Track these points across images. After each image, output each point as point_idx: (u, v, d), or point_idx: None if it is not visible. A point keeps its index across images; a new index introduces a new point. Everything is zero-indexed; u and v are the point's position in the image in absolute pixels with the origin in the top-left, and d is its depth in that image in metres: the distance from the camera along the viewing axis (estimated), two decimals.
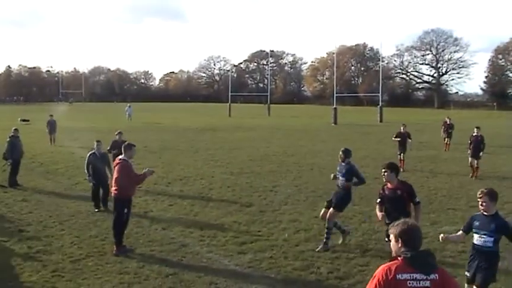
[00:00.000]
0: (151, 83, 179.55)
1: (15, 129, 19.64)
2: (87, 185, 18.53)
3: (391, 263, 4.62)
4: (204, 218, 14.07)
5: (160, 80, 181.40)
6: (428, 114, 78.68)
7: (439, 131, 33.96)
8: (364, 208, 15.16)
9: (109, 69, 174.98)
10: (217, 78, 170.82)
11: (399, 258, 4.56)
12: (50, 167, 22.63)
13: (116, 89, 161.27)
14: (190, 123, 53.88)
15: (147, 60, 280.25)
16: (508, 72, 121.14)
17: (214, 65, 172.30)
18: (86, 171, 15.53)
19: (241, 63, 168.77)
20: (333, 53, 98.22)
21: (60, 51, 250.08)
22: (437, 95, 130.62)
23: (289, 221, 13.63)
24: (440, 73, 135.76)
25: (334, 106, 60.76)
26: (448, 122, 31.58)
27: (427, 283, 4.40)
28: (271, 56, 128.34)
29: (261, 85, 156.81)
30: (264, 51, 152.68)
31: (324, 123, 56.90)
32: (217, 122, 57.92)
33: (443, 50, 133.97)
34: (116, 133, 18.63)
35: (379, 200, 9.85)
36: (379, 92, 70.38)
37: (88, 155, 15.63)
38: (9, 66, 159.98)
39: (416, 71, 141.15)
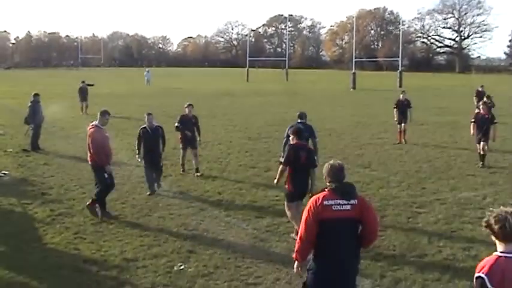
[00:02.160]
0: (169, 48, 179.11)
1: (36, 94, 19.83)
2: None
3: (320, 193, 5.71)
4: (222, 182, 14.20)
5: (178, 45, 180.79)
6: (449, 79, 77.73)
7: (459, 96, 33.57)
8: (383, 174, 15.16)
9: (127, 35, 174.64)
10: (235, 43, 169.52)
11: (326, 189, 5.68)
12: (70, 132, 22.87)
13: (134, 54, 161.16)
14: (208, 89, 53.84)
15: (165, 25, 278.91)
16: None
17: (232, 29, 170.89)
18: (136, 148, 13.24)
19: (259, 27, 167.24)
20: (353, 17, 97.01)
21: (79, 17, 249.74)
22: (459, 60, 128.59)
23: None
24: (462, 37, 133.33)
25: (353, 71, 60.25)
26: (480, 90, 29.92)
27: (348, 207, 5.55)
28: (289, 20, 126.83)
29: (279, 50, 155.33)
30: (282, 15, 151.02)
31: (343, 88, 56.51)
32: (235, 87, 57.78)
33: (465, 13, 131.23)
34: (186, 105, 15.39)
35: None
36: (399, 57, 69.46)
37: (139, 130, 13.29)
38: (29, 31, 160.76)
39: (437, 35, 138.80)
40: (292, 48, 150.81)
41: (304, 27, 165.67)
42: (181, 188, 13.53)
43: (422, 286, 7.76)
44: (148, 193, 12.77)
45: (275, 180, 10.16)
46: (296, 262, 5.91)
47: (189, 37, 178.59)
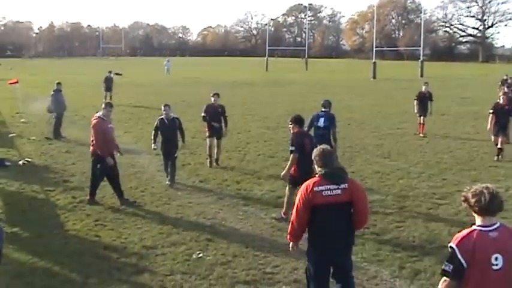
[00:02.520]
0: (188, 38, 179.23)
1: (58, 83, 20.06)
2: (127, 139, 18.91)
3: (311, 179, 5.86)
4: (240, 171, 14.23)
5: (198, 34, 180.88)
6: (472, 69, 76.76)
7: (482, 85, 33.11)
8: (403, 164, 15.08)
9: (148, 24, 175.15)
10: (254, 32, 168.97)
11: (316, 175, 5.84)
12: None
13: (154, 43, 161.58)
14: (227, 78, 53.84)
15: (185, 15, 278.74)
16: None
17: (252, 19, 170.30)
18: (152, 138, 13.07)
19: (278, 17, 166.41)
20: (373, 6, 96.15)
21: (100, 7, 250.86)
22: (482, 49, 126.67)
23: None
24: (486, 26, 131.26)
25: (374, 60, 59.77)
26: (505, 79, 29.16)
27: (339, 191, 5.70)
28: (309, 10, 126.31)
29: (299, 39, 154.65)
30: (302, 4, 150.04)
31: (363, 77, 56.12)
32: (254, 76, 57.71)
33: (489, 2, 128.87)
34: (212, 94, 15.06)
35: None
36: (420, 46, 68.73)
37: (156, 121, 13.17)
38: (52, 21, 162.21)
39: (460, 24, 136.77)
40: (311, 37, 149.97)
41: (324, 17, 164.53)
42: (200, 176, 13.59)
43: None
44: (167, 182, 12.75)
45: (284, 171, 10.18)
46: (291, 243, 6.21)
47: (208, 27, 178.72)
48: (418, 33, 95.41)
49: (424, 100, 20.14)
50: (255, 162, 15.34)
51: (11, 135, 19.43)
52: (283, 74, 63.10)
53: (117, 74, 54.05)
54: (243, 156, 16.04)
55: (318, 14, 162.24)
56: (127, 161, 15.15)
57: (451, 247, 4.42)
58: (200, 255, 8.40)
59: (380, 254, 8.60)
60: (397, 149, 17.31)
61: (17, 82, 24.23)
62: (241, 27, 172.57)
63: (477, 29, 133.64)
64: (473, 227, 4.46)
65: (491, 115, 15.85)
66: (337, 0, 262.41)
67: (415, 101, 20.40)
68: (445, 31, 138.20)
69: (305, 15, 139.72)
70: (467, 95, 35.34)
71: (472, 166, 14.80)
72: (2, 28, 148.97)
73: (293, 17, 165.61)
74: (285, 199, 10.24)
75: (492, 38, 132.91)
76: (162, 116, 12.96)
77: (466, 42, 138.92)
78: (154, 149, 13.11)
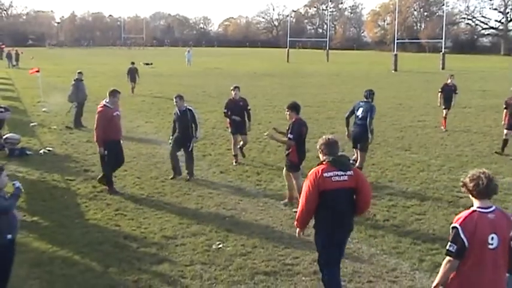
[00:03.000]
0: (210, 29, 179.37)
1: (79, 73, 20.20)
2: (148, 128, 19.01)
3: (318, 166, 6.24)
4: (261, 162, 14.22)
5: (219, 25, 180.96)
6: (494, 62, 75.74)
7: (504, 79, 32.67)
8: (423, 157, 14.95)
9: (169, 14, 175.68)
10: (276, 23, 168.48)
11: (324, 163, 6.23)
12: None
13: (175, 34, 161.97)
14: (248, 69, 53.78)
15: (207, 6, 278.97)
16: None
17: (273, 10, 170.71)
18: (171, 132, 12.99)
19: (300, 8, 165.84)
20: None
21: None
22: (504, 42, 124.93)
23: None
24: (509, 19, 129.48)
25: (395, 52, 59.25)
26: None
27: (345, 177, 6.16)
28: (330, 1, 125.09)
29: (320, 30, 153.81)
30: None
31: (384, 70, 55.68)
32: (275, 67, 57.57)
33: None
34: (232, 88, 14.26)
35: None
36: (442, 38, 67.96)
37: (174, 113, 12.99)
38: (73, 11, 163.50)
39: (482, 16, 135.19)
40: (333, 29, 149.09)
41: (345, 8, 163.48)
42: (221, 167, 13.61)
43: None
44: (170, 177, 12.46)
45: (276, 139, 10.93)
46: (298, 229, 6.57)
47: (230, 17, 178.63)
48: (440, 25, 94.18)
49: (449, 93, 19.66)
50: (275, 153, 15.31)
51: (32, 124, 19.63)
52: (304, 65, 62.86)
53: (147, 64, 54.25)
54: (264, 148, 16.02)
55: (340, 6, 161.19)
56: (148, 151, 15.25)
57: (454, 227, 4.77)
58: (220, 245, 8.42)
59: (400, 246, 8.55)
60: (418, 142, 17.17)
61: (38, 71, 24.43)
62: (263, 18, 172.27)
63: (499, 21, 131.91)
64: (472, 208, 4.80)
65: (505, 110, 15.59)
66: None
67: (440, 94, 19.86)
68: (467, 23, 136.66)
69: (327, 7, 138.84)
70: (488, 88, 34.88)
71: (493, 159, 14.63)
72: (24, 17, 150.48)
73: (315, 9, 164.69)
74: (289, 186, 10.47)
75: None
76: (175, 109, 12.74)
77: (488, 35, 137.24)
78: (170, 143, 12.83)
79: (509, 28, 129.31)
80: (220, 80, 39.25)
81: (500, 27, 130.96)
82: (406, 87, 36.36)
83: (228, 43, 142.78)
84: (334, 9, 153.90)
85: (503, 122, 15.78)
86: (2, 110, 11.59)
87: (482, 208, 4.78)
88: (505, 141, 15.40)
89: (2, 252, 6.22)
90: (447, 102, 19.57)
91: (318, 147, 6.46)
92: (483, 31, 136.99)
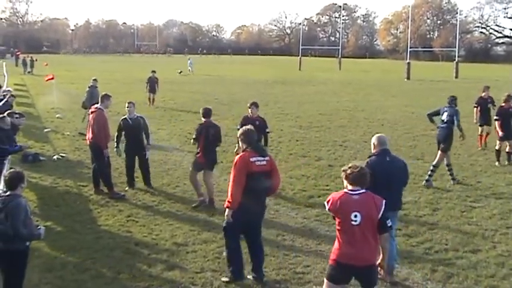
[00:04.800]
0: (222, 36, 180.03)
1: (94, 80, 20.32)
2: (161, 135, 19.06)
3: (244, 153, 7.38)
4: None
5: (231, 33, 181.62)
6: (508, 71, 75.13)
7: None
8: None
9: (182, 22, 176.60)
10: (288, 31, 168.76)
11: (247, 150, 7.38)
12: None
13: (188, 41, 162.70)
14: (260, 76, 53.85)
15: (219, 14, 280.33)
16: None
17: (286, 18, 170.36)
18: (115, 141, 12.34)
19: (312, 16, 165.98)
20: (408, 6, 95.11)
21: (136, 5, 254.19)
22: None
23: None
24: None
25: (408, 61, 59.07)
26: None
27: (264, 162, 7.38)
28: (343, 9, 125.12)
29: (333, 39, 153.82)
30: (336, 4, 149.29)
31: (397, 78, 55.51)
32: (287, 75, 57.59)
33: None
34: (248, 105, 12.41)
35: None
36: (455, 47, 67.81)
37: (119, 121, 12.47)
38: (88, 19, 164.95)
39: (496, 25, 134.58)
40: (345, 37, 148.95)
41: (358, 16, 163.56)
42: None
43: (475, 282, 7.59)
44: (126, 188, 12.17)
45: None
46: (228, 210, 7.36)
47: (242, 25, 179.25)
48: (453, 34, 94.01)
49: (485, 106, 17.93)
50: (287, 161, 15.29)
51: (46, 130, 19.74)
52: (316, 73, 62.86)
53: (180, 72, 54.33)
54: (275, 155, 15.99)
55: (353, 14, 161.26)
56: (159, 158, 15.27)
57: (325, 204, 6.00)
58: None
59: (412, 256, 8.49)
60: (431, 151, 17.02)
61: (52, 78, 24.61)
62: (275, 26, 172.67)
63: None
64: (344, 190, 5.91)
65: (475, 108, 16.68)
66: (372, 0, 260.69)
67: (476, 109, 18.12)
68: (481, 32, 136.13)
69: (339, 15, 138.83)
70: (502, 97, 34.60)
71: (506, 169, 14.50)
72: (39, 24, 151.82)
73: (327, 17, 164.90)
74: (193, 184, 11.18)
75: None
76: (125, 116, 12.30)
77: (502, 43, 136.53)
78: (117, 153, 12.44)
79: None
80: (232, 88, 39.33)
81: None
82: (419, 96, 36.21)
83: (241, 51, 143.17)
84: (346, 18, 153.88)
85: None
86: (17, 116, 11.66)
87: (350, 191, 5.84)
88: (498, 152, 15.21)
89: (20, 258, 6.24)
90: (484, 118, 17.79)
91: (238, 136, 7.67)
92: (497, 40, 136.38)
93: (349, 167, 5.90)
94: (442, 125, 13.29)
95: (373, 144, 7.77)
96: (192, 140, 11.60)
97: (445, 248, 8.82)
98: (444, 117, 13.30)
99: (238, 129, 12.62)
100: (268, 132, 12.30)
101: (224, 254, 8.36)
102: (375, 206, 5.76)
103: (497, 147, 15.30)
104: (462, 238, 9.28)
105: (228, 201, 7.31)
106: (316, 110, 27.15)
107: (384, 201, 5.84)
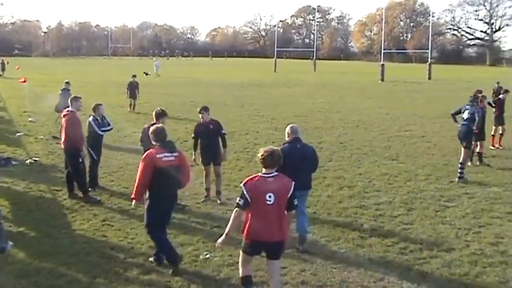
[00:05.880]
0: (197, 38, 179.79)
1: (67, 82, 20.11)
2: (135, 138, 18.87)
3: (152, 149, 7.94)
4: (249, 172, 14.16)
5: (206, 35, 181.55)
6: (480, 72, 76.44)
7: (490, 89, 32.75)
8: (410, 167, 15.01)
9: (156, 24, 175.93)
10: (263, 33, 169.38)
11: (156, 147, 7.92)
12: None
13: (163, 43, 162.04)
14: (235, 78, 53.85)
15: (194, 16, 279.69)
16: None
17: (261, 20, 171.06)
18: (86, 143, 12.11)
19: (287, 18, 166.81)
20: (382, 8, 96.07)
21: (109, 6, 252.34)
22: (490, 52, 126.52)
23: (333, 177, 13.65)
24: (494, 29, 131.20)
25: (382, 62, 59.70)
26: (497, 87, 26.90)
27: (172, 157, 7.88)
28: (318, 11, 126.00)
29: (307, 41, 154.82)
30: (311, 6, 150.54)
31: (371, 80, 56.02)
32: (262, 77, 57.70)
33: (497, 5, 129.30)
34: (198, 111, 11.76)
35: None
36: (428, 49, 68.67)
37: (88, 121, 12.33)
38: (60, 21, 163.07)
39: (468, 27, 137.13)
40: (320, 39, 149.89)
41: (332, 18, 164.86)
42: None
43: (449, 281, 7.69)
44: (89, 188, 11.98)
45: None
46: (134, 201, 8.10)
47: (217, 27, 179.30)
48: (426, 36, 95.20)
49: (502, 107, 18.07)
50: None
51: (18, 134, 19.50)
52: (291, 75, 63.10)
53: (145, 73, 53.56)
54: (251, 157, 16.00)
55: (327, 16, 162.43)
56: (135, 161, 15.05)
57: (241, 186, 6.55)
58: (208, 256, 8.38)
59: (387, 256, 8.57)
60: (405, 151, 17.25)
61: (25, 81, 24.31)
62: (250, 28, 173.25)
63: (485, 32, 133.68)
64: (259, 174, 6.59)
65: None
66: (346, 2, 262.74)
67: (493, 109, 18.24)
68: (453, 34, 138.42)
69: (314, 17, 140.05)
70: None
71: (479, 169, 14.73)
72: (10, 27, 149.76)
73: (302, 19, 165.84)
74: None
75: (499, 41, 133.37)
76: (94, 115, 12.36)
77: (473, 45, 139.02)
78: (91, 156, 12.48)
79: (495, 39, 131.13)
80: (208, 90, 39.29)
81: (486, 38, 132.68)
82: (393, 97, 36.59)
83: (216, 53, 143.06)
84: (321, 20, 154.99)
85: None
86: None
87: (264, 174, 6.55)
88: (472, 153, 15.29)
89: None
90: (499, 117, 17.97)
91: (149, 134, 8.13)
92: (469, 41, 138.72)
93: (261, 153, 6.58)
94: (463, 123, 13.87)
95: (287, 133, 8.83)
96: None
97: (420, 247, 8.91)
98: (465, 115, 13.88)
99: (193, 137, 12.04)
100: (224, 134, 11.85)
101: (201, 257, 8.37)
102: (286, 187, 6.56)
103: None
104: (436, 237, 9.39)
105: (134, 194, 8.00)
106: (291, 111, 27.24)
107: (293, 182, 6.66)
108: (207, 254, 8.45)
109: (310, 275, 7.83)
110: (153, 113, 10.60)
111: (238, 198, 6.54)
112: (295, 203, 6.66)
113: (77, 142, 11.48)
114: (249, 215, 6.50)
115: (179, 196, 11.56)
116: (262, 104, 30.98)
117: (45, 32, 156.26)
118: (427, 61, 64.69)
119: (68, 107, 12.16)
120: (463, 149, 13.84)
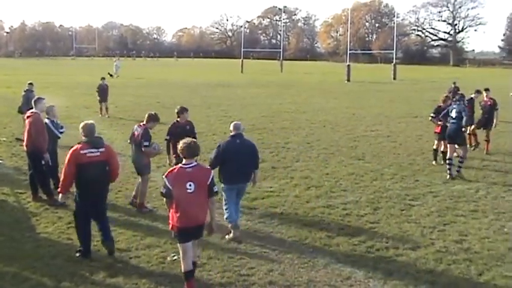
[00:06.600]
0: (163, 39, 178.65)
1: (30, 84, 19.76)
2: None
3: (77, 145, 8.16)
4: (214, 173, 14.15)
5: (173, 35, 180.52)
6: (444, 72, 77.73)
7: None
8: (377, 166, 15.18)
9: (122, 24, 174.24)
10: (230, 34, 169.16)
11: (82, 142, 8.18)
12: (65, 121, 22.70)
13: (128, 44, 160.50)
14: (203, 79, 53.69)
15: (160, 16, 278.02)
16: None
17: (227, 20, 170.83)
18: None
19: (254, 19, 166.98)
20: (348, 9, 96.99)
21: (73, 6, 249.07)
22: (453, 53, 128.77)
23: (300, 177, 13.71)
24: (457, 30, 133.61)
25: (348, 63, 60.19)
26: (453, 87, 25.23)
27: (98, 153, 8.15)
28: (284, 12, 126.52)
29: (274, 41, 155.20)
30: (277, 7, 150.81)
31: (337, 80, 56.48)
32: (229, 78, 57.65)
33: (460, 7, 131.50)
34: (176, 111, 12.25)
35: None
36: (393, 49, 69.52)
37: (45, 123, 11.70)
38: (23, 21, 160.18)
39: (432, 28, 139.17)
40: (287, 39, 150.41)
41: (299, 19, 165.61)
42: None
43: (415, 278, 7.80)
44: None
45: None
46: (61, 194, 8.47)
47: (184, 28, 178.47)
48: (391, 36, 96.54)
49: (488, 110, 17.88)
50: None
51: None
52: (258, 75, 63.19)
53: (109, 74, 52.64)
54: None
55: (293, 17, 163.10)
56: None
57: (163, 178, 7.03)
58: (175, 257, 8.32)
59: (354, 254, 8.65)
60: (371, 151, 17.43)
61: None
62: (217, 28, 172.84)
63: (448, 33, 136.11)
64: (179, 165, 7.13)
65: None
66: (312, 3, 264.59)
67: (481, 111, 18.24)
68: (417, 35, 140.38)
69: (280, 18, 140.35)
70: (439, 98, 35.70)
71: (443, 168, 14.91)
72: None
73: (268, 19, 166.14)
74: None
75: (462, 42, 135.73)
76: (48, 118, 11.85)
77: (437, 46, 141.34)
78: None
79: (458, 39, 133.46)
80: (175, 91, 39.06)
81: (449, 39, 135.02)
82: (359, 97, 36.95)
83: (182, 53, 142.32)
84: (287, 20, 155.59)
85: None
86: None
87: (184, 164, 7.05)
88: (435, 151, 15.60)
89: None
90: (486, 120, 17.91)
91: (80, 129, 8.31)
92: (433, 42, 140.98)
93: (180, 145, 7.06)
94: (453, 121, 14.28)
95: (230, 130, 9.50)
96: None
97: (386, 246, 9.02)
98: (453, 114, 14.31)
99: (167, 139, 12.07)
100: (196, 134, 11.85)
101: (168, 258, 8.32)
102: (205, 175, 7.14)
103: (434, 147, 15.74)
104: (402, 236, 9.52)
105: (59, 187, 8.43)
106: (258, 112, 27.28)
107: (212, 171, 7.50)
108: (174, 255, 8.39)
109: (278, 274, 7.86)
110: (146, 115, 11.34)
111: (162, 188, 7.06)
112: (215, 190, 7.20)
113: (40, 144, 11.26)
114: (174, 205, 6.96)
115: (148, 199, 11.56)
116: (230, 104, 30.95)
117: (7, 32, 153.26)
118: (392, 61, 65.50)
119: (31, 108, 11.95)
120: (461, 147, 14.44)
